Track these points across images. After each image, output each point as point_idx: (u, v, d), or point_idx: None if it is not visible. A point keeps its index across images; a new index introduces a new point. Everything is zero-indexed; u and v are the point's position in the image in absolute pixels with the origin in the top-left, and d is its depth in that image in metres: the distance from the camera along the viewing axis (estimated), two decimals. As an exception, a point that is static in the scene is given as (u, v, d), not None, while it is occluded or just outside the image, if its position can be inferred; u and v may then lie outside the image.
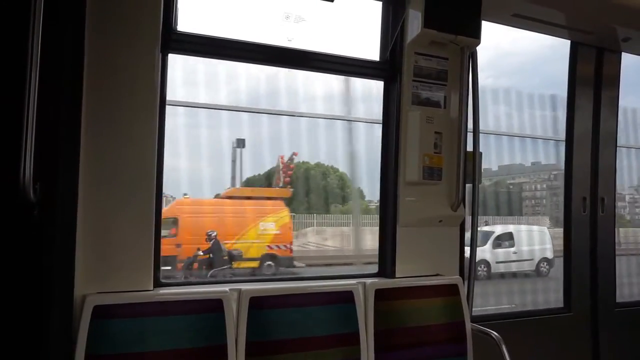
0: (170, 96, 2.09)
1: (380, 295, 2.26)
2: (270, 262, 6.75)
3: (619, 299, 3.35)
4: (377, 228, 2.58)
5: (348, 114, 5.99)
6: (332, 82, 6.21)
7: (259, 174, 7.37)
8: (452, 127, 2.51)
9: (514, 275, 6.61)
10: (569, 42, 3.21)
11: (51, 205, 1.61)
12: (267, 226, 6.91)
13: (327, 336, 2.10)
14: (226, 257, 6.29)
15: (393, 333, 2.24)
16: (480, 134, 2.58)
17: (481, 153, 2.64)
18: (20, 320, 1.55)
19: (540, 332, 3.01)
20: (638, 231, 7.33)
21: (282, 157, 7.02)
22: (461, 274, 2.58)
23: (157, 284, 2.02)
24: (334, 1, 2.37)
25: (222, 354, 1.89)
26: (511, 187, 7.57)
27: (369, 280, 2.29)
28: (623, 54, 3.30)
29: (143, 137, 1.93)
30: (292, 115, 6.24)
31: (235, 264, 6.35)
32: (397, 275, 2.45)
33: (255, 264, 6.66)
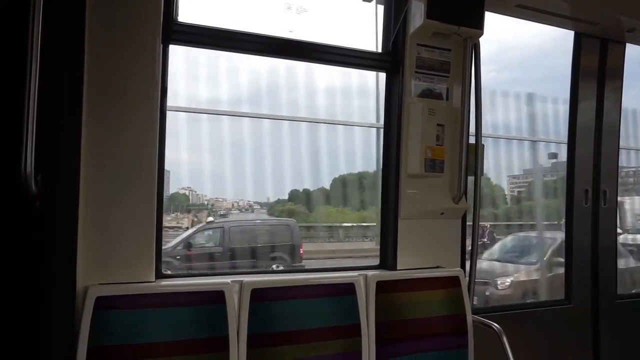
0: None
1: (382, 287, 2.26)
2: None
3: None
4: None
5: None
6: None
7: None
8: (454, 119, 2.50)
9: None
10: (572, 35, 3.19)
11: (53, 196, 1.61)
12: None
13: (328, 328, 2.10)
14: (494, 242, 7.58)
15: (394, 325, 2.25)
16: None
17: (483, 145, 2.62)
18: (22, 312, 1.56)
19: (541, 324, 3.02)
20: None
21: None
22: (462, 266, 2.59)
23: (159, 275, 2.02)
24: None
25: (224, 346, 1.90)
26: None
27: (370, 273, 2.29)
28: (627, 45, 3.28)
29: (144, 128, 1.93)
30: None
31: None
32: (398, 268, 2.45)
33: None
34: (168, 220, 7.43)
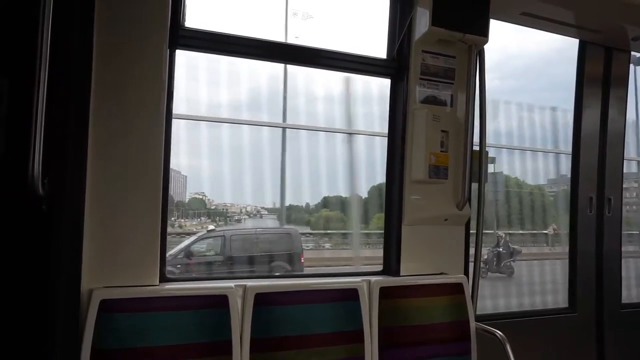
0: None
1: (385, 293, 2.26)
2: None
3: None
4: None
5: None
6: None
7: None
8: (458, 126, 2.51)
9: None
10: (576, 43, 3.20)
11: (59, 199, 1.62)
12: None
13: (331, 333, 2.10)
14: (510, 252, 7.98)
15: (397, 331, 2.24)
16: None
17: (487, 152, 2.63)
18: (27, 314, 1.57)
19: (545, 332, 3.00)
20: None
21: None
22: (466, 273, 2.58)
23: (163, 279, 2.03)
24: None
25: (227, 350, 1.90)
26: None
27: (373, 278, 2.29)
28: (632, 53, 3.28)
29: (150, 132, 1.94)
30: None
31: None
32: (401, 274, 2.45)
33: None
34: (194, 224, 7.49)
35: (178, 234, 7.02)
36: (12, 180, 1.49)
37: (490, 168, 6.59)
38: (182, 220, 7.50)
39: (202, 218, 7.63)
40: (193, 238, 6.83)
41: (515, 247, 8.03)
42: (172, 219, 7.14)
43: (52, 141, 1.52)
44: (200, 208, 7.69)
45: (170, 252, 6.35)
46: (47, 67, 1.41)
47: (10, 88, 1.54)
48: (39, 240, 1.58)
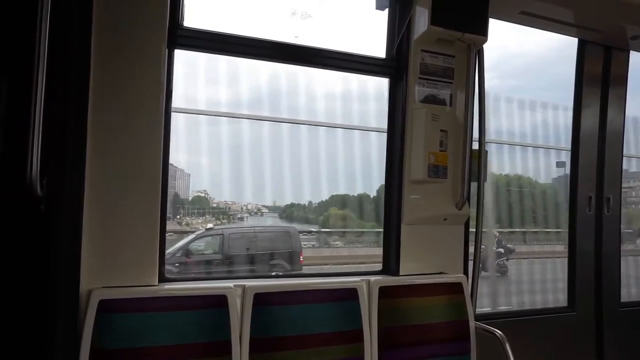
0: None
1: (384, 292, 2.26)
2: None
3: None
4: None
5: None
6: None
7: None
8: (457, 125, 2.51)
9: None
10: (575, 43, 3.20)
11: (58, 200, 1.62)
12: None
13: (330, 333, 2.10)
14: (503, 251, 7.81)
15: (397, 331, 2.24)
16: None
17: (487, 151, 2.63)
18: (26, 314, 1.56)
19: (544, 332, 3.01)
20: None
21: None
22: (465, 272, 2.58)
23: (162, 279, 2.03)
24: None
25: (226, 350, 1.90)
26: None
27: (373, 278, 2.29)
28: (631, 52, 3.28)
29: (149, 132, 1.94)
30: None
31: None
32: (401, 273, 2.45)
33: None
34: (200, 222, 7.49)
35: (185, 232, 7.01)
36: (10, 181, 1.49)
37: (561, 172, 6.54)
38: (189, 217, 7.50)
39: (207, 216, 7.64)
40: (191, 236, 6.81)
41: (509, 245, 8.02)
42: (178, 217, 7.15)
43: (51, 141, 1.52)
44: (204, 206, 7.69)
45: (167, 251, 6.31)
46: (46, 67, 1.41)
47: (8, 88, 1.53)
48: (38, 241, 1.58)
